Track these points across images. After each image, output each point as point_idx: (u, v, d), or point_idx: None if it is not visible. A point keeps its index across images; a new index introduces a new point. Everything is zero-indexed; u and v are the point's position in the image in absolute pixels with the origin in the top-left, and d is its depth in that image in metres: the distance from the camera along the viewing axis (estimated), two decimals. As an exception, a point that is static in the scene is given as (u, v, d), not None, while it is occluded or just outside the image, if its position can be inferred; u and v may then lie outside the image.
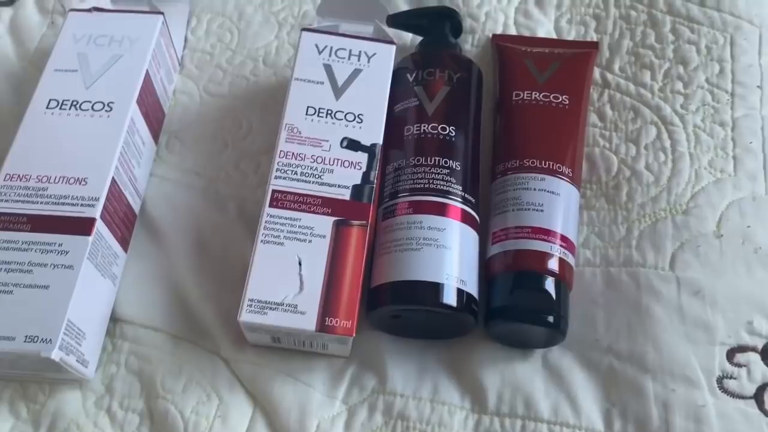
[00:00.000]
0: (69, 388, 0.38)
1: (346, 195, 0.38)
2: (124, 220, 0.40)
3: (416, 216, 0.37)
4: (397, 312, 0.37)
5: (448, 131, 0.40)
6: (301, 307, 0.35)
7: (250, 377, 0.38)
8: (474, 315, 0.37)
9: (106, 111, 0.40)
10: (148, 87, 0.42)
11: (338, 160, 0.39)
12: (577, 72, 0.45)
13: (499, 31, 0.49)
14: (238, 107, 0.46)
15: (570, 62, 0.45)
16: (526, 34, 0.49)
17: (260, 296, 0.35)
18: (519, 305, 0.36)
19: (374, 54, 0.42)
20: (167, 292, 0.40)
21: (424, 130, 0.40)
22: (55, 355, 0.33)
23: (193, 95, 0.47)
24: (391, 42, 0.43)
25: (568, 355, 0.38)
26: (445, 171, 0.39)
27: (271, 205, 0.37)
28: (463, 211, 0.38)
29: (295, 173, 0.38)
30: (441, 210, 0.38)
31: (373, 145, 0.39)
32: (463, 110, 0.42)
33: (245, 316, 0.35)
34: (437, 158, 0.39)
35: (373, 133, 0.40)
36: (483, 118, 0.43)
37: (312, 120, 0.40)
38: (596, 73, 0.47)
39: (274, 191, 0.37)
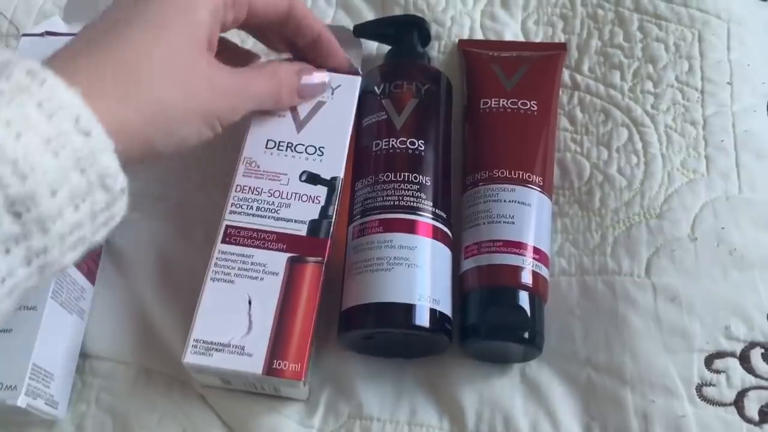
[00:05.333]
0: (38, 430, 0.37)
1: (302, 230, 0.36)
2: (89, 252, 0.39)
3: (386, 235, 0.37)
4: (369, 334, 0.36)
5: (417, 145, 0.39)
6: (249, 349, 0.33)
7: (225, 409, 0.37)
8: (448, 334, 0.36)
9: None
10: None
11: (296, 194, 0.37)
12: (546, 76, 0.44)
13: (465, 35, 0.48)
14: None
15: (538, 65, 0.44)
16: (493, 37, 0.48)
17: (206, 337, 0.34)
18: (493, 322, 0.36)
19: (339, 86, 0.41)
20: (137, 324, 0.39)
21: (392, 144, 0.39)
22: (21, 402, 0.32)
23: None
24: (356, 73, 0.42)
25: (546, 368, 0.37)
26: (415, 187, 0.38)
27: (223, 241, 0.36)
28: (435, 228, 0.37)
29: (251, 208, 0.37)
30: (411, 228, 0.37)
31: (333, 179, 0.38)
32: (433, 123, 0.41)
33: (189, 358, 0.33)
34: (407, 174, 0.38)
35: (334, 166, 0.38)
36: (453, 128, 0.43)
37: (272, 153, 0.38)
38: (565, 74, 0.46)
39: (227, 227, 0.36)
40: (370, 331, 0.36)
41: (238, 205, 0.37)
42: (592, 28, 0.47)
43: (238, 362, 0.33)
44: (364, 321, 0.35)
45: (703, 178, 0.41)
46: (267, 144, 0.39)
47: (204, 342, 0.34)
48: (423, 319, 0.35)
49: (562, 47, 0.46)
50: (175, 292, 0.40)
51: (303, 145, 0.39)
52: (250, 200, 0.37)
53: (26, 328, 0.34)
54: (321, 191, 0.38)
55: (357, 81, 0.41)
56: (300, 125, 0.39)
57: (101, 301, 0.40)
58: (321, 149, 0.39)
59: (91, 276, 0.39)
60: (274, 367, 0.33)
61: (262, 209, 0.37)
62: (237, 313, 0.34)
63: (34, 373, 0.33)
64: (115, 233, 0.41)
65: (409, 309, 0.35)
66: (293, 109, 0.40)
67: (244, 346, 0.34)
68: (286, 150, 0.38)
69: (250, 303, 0.34)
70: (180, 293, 0.40)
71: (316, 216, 0.37)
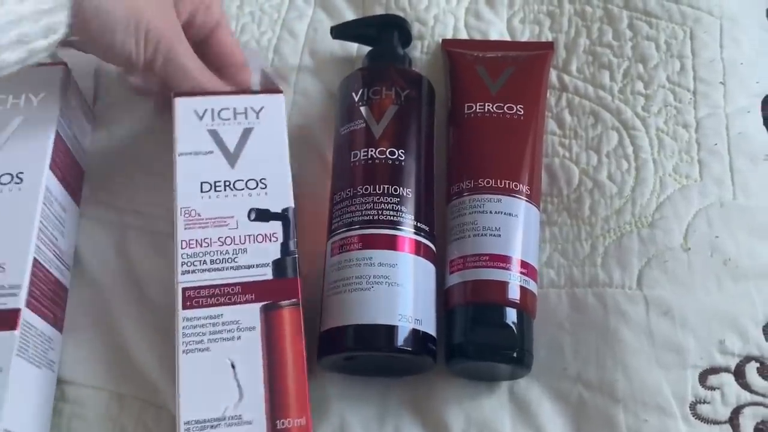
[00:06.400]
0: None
1: (267, 274, 0.33)
2: (54, 299, 0.37)
3: (366, 252, 0.35)
4: (349, 355, 0.34)
5: (397, 155, 0.38)
6: (247, 417, 0.31)
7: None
8: (432, 355, 0.35)
9: (15, 183, 0.35)
10: (60, 148, 0.38)
11: (250, 236, 0.34)
12: (532, 77, 0.42)
13: (449, 35, 0.47)
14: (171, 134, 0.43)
15: (524, 66, 0.43)
16: (478, 37, 0.46)
17: (196, 416, 0.31)
18: (480, 342, 0.34)
19: (262, 108, 0.38)
20: (108, 346, 0.38)
21: (371, 155, 0.38)
22: None
23: (121, 126, 0.44)
24: (277, 91, 0.39)
25: (536, 385, 0.36)
26: (395, 200, 0.36)
27: (185, 307, 0.33)
28: (417, 243, 0.36)
29: (204, 263, 0.33)
30: (392, 244, 0.35)
31: (285, 210, 0.35)
32: (413, 131, 0.39)
33: None
34: (386, 186, 0.37)
35: (282, 196, 0.35)
36: (437, 134, 0.41)
37: (210, 197, 0.35)
38: (553, 75, 0.44)
39: (184, 290, 0.33)
40: (349, 354, 0.34)
41: (189, 263, 0.33)
42: (580, 26, 0.46)
43: None
44: (343, 343, 0.34)
45: (696, 184, 0.39)
46: (202, 187, 0.35)
47: (196, 422, 0.31)
48: (405, 341, 0.33)
49: (550, 46, 0.45)
50: (149, 311, 0.38)
51: (242, 180, 0.35)
52: (200, 254, 0.34)
53: None
54: (275, 227, 0.35)
55: (280, 99, 0.39)
56: (232, 159, 0.36)
57: (72, 322, 0.38)
58: (263, 181, 0.35)
59: (58, 324, 0.37)
60: (279, 428, 0.31)
61: (217, 261, 0.33)
62: (222, 381, 0.31)
63: None
64: (85, 250, 0.40)
65: (390, 330, 0.33)
66: (220, 143, 0.36)
67: (240, 415, 0.31)
68: (225, 189, 0.35)
69: (233, 367, 0.32)
70: (154, 311, 0.38)
71: (278, 255, 0.34)
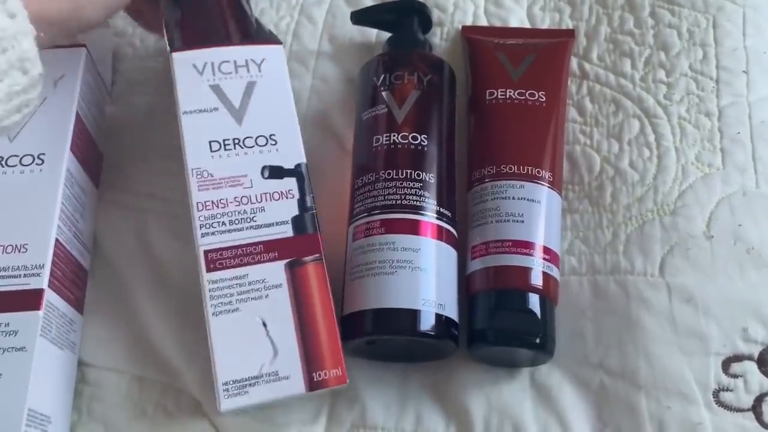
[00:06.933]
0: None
1: (288, 231, 0.33)
2: (75, 281, 0.37)
3: (389, 236, 0.35)
4: (372, 339, 0.34)
5: (419, 140, 0.37)
6: (283, 372, 0.31)
7: (222, 421, 0.35)
8: (454, 340, 0.35)
9: (37, 164, 0.35)
10: (80, 129, 0.38)
11: (265, 194, 0.34)
12: (554, 64, 0.42)
13: (469, 22, 0.46)
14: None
15: (545, 54, 0.42)
16: (498, 24, 0.46)
17: (234, 376, 0.31)
18: (502, 327, 0.34)
19: (263, 60, 0.36)
20: (129, 329, 0.38)
21: (393, 140, 0.38)
22: None
23: (138, 109, 0.44)
24: (276, 42, 0.38)
25: (557, 372, 0.36)
26: (418, 184, 0.36)
27: (208, 270, 0.32)
28: (439, 228, 0.36)
29: (223, 224, 0.33)
30: (414, 228, 0.35)
31: (298, 166, 0.35)
32: (436, 116, 0.39)
33: (226, 404, 0.31)
34: (409, 171, 0.37)
35: (294, 152, 0.35)
36: (457, 121, 0.41)
37: (220, 157, 0.34)
38: (573, 63, 0.44)
39: (206, 252, 0.33)
40: (372, 338, 0.34)
41: (207, 225, 0.33)
42: (600, 13, 0.45)
43: (278, 389, 0.31)
44: (366, 328, 0.34)
45: (718, 172, 0.39)
46: (211, 147, 0.34)
47: (234, 382, 0.31)
48: (428, 325, 0.33)
49: (570, 34, 0.45)
50: (168, 294, 0.38)
51: (251, 137, 0.35)
52: (218, 216, 0.33)
53: (16, 370, 0.31)
54: (290, 183, 0.34)
55: (280, 50, 0.37)
56: (238, 115, 0.35)
57: (91, 306, 0.38)
58: (272, 137, 0.35)
59: (78, 306, 0.37)
60: (316, 380, 0.31)
61: (236, 221, 0.33)
62: (255, 340, 0.32)
63: (30, 419, 0.31)
64: (103, 234, 0.40)
65: (413, 315, 0.33)
66: (224, 99, 0.35)
67: (277, 371, 0.31)
68: (235, 148, 0.34)
69: (265, 325, 0.32)
70: (173, 295, 0.38)
71: (296, 211, 0.34)
